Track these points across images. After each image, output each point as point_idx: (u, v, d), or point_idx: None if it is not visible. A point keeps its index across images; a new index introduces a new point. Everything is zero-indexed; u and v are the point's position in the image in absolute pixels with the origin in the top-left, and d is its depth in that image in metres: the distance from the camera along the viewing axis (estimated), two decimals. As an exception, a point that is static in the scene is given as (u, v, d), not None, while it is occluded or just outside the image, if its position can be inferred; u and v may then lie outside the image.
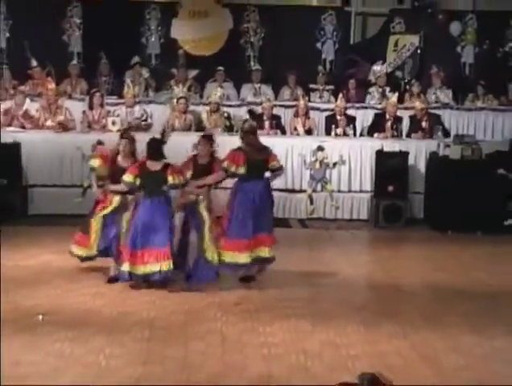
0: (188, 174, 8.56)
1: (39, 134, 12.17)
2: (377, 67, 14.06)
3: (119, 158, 8.62)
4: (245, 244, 8.52)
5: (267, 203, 8.84)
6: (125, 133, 9.03)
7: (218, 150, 11.70)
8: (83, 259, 8.85)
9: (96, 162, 8.77)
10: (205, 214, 8.53)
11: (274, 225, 8.99)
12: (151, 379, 5.98)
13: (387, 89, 13.76)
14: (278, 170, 8.98)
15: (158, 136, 8.68)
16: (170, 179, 8.31)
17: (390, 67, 14.69)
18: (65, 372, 6.10)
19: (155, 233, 8.21)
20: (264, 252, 8.67)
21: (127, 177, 8.30)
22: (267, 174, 8.88)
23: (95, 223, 8.63)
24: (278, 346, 6.72)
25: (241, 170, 8.59)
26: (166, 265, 8.21)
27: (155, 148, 8.41)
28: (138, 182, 8.30)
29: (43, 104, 12.71)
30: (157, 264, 8.20)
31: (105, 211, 8.60)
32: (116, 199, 8.55)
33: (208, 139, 8.80)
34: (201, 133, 12.20)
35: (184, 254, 8.56)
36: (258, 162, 8.72)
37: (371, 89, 14.02)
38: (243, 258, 8.53)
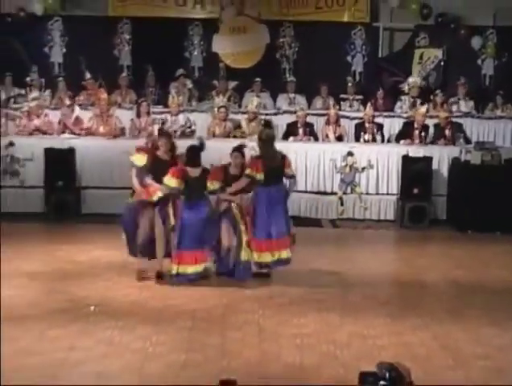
0: (219, 183, 8.52)
1: (92, 140, 12.30)
2: (411, 79, 13.99)
3: (159, 152, 8.58)
4: (267, 244, 8.54)
5: (285, 206, 8.83)
6: (163, 132, 9.24)
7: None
8: None
9: (138, 157, 8.65)
10: (239, 219, 8.54)
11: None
12: (193, 365, 6.03)
13: (418, 101, 13.66)
14: (291, 178, 8.95)
15: (196, 143, 8.66)
16: (209, 185, 8.37)
17: (417, 78, 14.62)
18: (115, 357, 6.17)
19: (196, 236, 8.29)
20: (284, 253, 8.66)
21: (171, 181, 8.26)
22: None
23: None
24: (309, 336, 6.73)
25: (260, 177, 8.57)
26: (202, 266, 8.38)
27: (194, 154, 8.41)
28: (181, 186, 8.30)
29: (96, 112, 12.83)
30: (196, 265, 8.33)
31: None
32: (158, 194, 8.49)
33: (240, 151, 8.71)
34: (239, 140, 12.38)
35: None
36: (276, 168, 8.70)
37: (403, 97, 13.96)
38: (267, 257, 8.56)
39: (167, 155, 8.56)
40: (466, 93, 13.89)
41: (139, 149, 8.80)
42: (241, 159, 8.65)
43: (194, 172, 8.35)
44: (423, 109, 13.02)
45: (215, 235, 8.45)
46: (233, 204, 8.52)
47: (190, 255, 8.31)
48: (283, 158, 8.86)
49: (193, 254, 8.32)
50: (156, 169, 8.41)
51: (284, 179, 8.89)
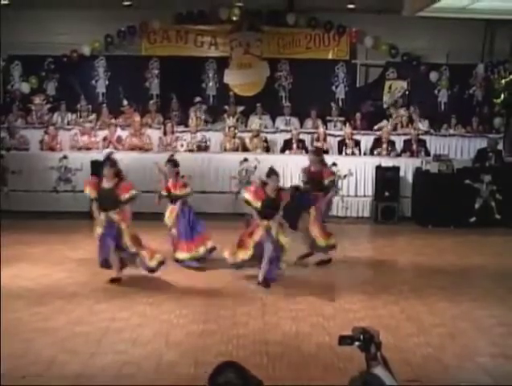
0: (259, 204, 7.65)
1: (128, 154, 12.28)
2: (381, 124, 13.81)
3: (103, 182, 7.70)
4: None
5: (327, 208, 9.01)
6: (108, 160, 8.00)
7: (259, 166, 11.81)
8: None
9: (88, 190, 7.81)
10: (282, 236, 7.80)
11: None
12: (209, 333, 6.04)
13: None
14: (331, 183, 8.94)
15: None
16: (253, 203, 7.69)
17: (386, 104, 14.63)
18: (147, 326, 6.19)
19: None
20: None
21: (87, 190, 7.74)
22: None
23: None
24: (303, 311, 6.75)
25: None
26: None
27: (98, 168, 7.75)
28: (94, 195, 7.68)
29: (131, 132, 12.83)
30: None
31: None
32: None
33: (277, 175, 7.84)
34: (245, 153, 12.40)
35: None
36: (316, 177, 8.68)
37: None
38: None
39: (112, 182, 7.66)
40: (420, 115, 13.92)
41: (86, 183, 7.96)
42: (278, 183, 7.86)
43: (107, 184, 7.64)
44: (388, 127, 13.04)
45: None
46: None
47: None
48: (325, 167, 8.92)
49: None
50: (102, 198, 7.64)
51: None
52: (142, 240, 7.85)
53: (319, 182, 8.64)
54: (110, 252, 7.61)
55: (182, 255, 8.38)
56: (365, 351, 2.70)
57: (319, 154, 9.00)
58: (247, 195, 7.77)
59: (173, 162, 8.76)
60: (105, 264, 7.71)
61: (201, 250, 8.44)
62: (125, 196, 7.65)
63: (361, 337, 2.71)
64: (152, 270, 7.76)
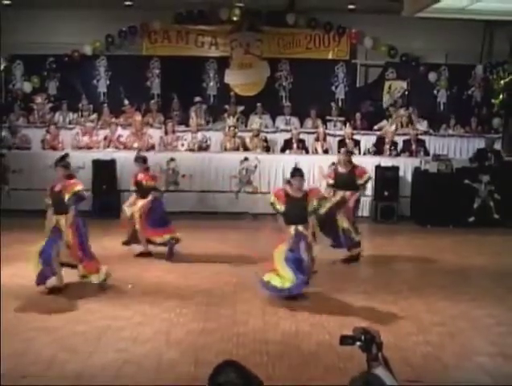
0: (283, 207, 7.12)
1: (129, 153, 12.20)
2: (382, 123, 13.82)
3: (55, 185, 7.30)
4: None
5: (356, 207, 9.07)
6: (59, 162, 7.59)
7: (259, 166, 11.79)
8: None
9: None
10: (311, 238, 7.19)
11: None
12: (209, 332, 6.01)
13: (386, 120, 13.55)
14: (366, 182, 9.10)
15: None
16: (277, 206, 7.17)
17: (385, 104, 14.60)
18: (147, 325, 6.16)
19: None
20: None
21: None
22: None
23: None
24: (303, 309, 6.70)
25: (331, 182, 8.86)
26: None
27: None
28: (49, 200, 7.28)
29: (132, 131, 12.81)
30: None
31: None
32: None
33: (302, 175, 7.28)
34: (245, 153, 12.38)
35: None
36: (345, 175, 8.75)
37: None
38: None
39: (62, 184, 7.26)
40: (419, 115, 13.90)
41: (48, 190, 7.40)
42: (303, 183, 7.29)
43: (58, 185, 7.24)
44: (393, 127, 13.01)
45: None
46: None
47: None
48: (355, 167, 8.96)
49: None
50: (54, 200, 7.24)
51: None
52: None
53: (351, 182, 8.75)
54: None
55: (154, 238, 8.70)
56: (367, 351, 2.69)
57: (349, 155, 9.10)
58: (272, 197, 7.29)
59: (142, 159, 9.09)
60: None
61: (166, 237, 8.70)
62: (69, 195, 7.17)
63: (363, 337, 2.69)
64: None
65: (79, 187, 7.25)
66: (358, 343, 2.70)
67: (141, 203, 8.84)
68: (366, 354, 2.68)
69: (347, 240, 8.68)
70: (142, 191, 8.91)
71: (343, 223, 8.61)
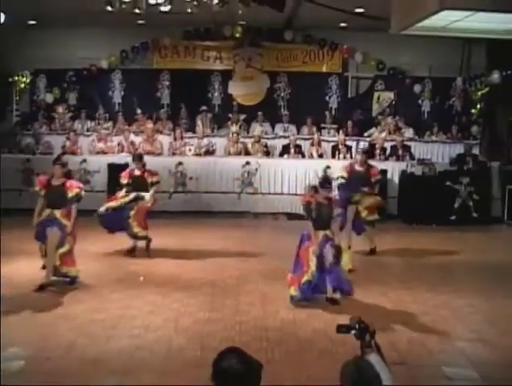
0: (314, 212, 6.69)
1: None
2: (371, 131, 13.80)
3: (53, 180, 7.19)
4: None
5: None
6: (57, 160, 7.71)
7: (260, 169, 11.76)
8: None
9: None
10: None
11: None
12: (214, 320, 6.00)
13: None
14: (379, 180, 9.07)
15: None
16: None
17: (374, 113, 14.59)
18: (158, 314, 6.15)
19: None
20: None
21: (36, 188, 7.14)
22: None
23: None
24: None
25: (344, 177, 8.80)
26: None
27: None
28: (42, 192, 7.12)
29: (144, 137, 12.80)
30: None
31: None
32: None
33: (331, 187, 6.97)
34: (247, 157, 12.36)
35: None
36: (361, 174, 8.77)
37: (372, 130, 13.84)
38: None
39: (61, 181, 7.17)
40: (405, 123, 13.89)
41: (37, 183, 7.28)
42: (329, 192, 6.91)
43: (56, 181, 7.17)
44: (383, 134, 13.00)
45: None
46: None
47: None
48: (370, 166, 8.96)
49: None
50: (51, 194, 7.09)
51: None
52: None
53: (365, 180, 8.77)
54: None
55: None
56: (361, 339, 2.68)
57: (365, 156, 9.11)
58: (305, 202, 6.90)
59: (138, 157, 9.12)
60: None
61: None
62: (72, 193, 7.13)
63: (357, 326, 2.68)
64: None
65: (81, 190, 7.28)
66: (353, 332, 2.70)
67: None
68: (360, 341, 2.68)
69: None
70: (137, 186, 8.72)
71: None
